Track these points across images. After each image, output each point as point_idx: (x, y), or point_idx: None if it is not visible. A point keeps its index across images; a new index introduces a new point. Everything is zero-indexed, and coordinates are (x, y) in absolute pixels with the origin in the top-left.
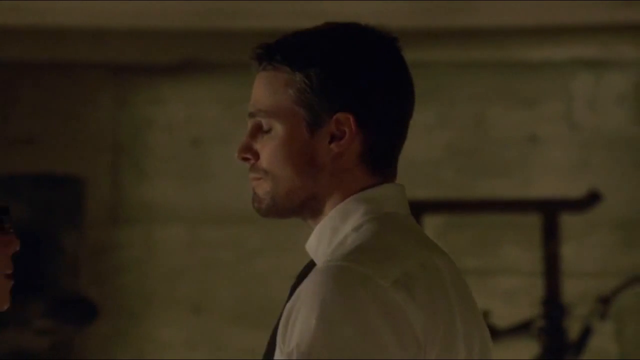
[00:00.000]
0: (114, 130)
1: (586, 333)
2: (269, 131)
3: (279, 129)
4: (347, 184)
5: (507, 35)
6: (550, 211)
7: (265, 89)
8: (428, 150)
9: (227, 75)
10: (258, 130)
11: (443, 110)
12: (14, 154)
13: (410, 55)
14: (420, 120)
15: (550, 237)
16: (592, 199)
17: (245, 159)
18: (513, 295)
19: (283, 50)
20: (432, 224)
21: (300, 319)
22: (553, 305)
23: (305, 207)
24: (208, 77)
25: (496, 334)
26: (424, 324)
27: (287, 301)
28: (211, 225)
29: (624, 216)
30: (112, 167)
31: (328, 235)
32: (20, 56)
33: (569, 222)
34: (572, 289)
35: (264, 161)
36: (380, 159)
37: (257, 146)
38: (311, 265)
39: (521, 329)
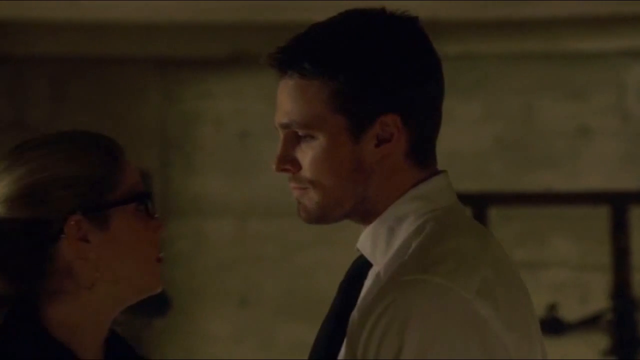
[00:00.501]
0: (163, 124)
1: None
2: (308, 140)
3: (320, 139)
4: (397, 183)
5: (557, 26)
6: (619, 204)
7: (297, 100)
8: (475, 142)
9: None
10: (294, 140)
11: (491, 102)
12: None
13: (458, 47)
14: (468, 112)
15: (620, 230)
16: None
17: (285, 170)
18: (560, 288)
19: (311, 56)
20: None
21: (389, 337)
22: (624, 299)
23: (356, 211)
24: (256, 71)
25: (564, 327)
26: (508, 331)
27: (337, 298)
28: (258, 219)
29: None
30: (161, 162)
31: (384, 237)
32: (69, 52)
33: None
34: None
35: (308, 171)
36: (425, 151)
37: (297, 156)
38: (362, 263)
39: (590, 322)
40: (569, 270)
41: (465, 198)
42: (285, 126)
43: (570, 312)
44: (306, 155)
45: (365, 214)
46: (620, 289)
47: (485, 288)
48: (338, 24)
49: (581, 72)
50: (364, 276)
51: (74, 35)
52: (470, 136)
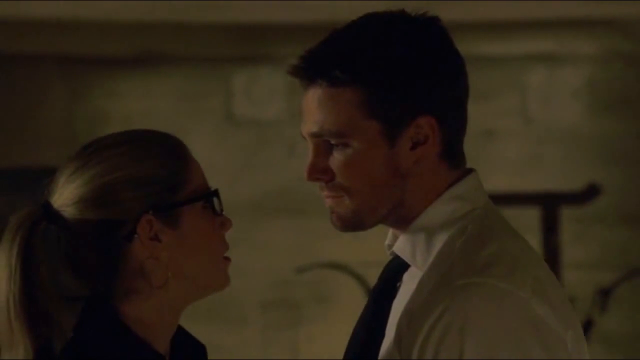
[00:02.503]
0: (69, 123)
1: (587, 325)
2: (341, 148)
3: (354, 146)
4: (432, 185)
5: (461, 29)
6: (550, 205)
7: (328, 108)
8: None
9: (184, 69)
10: (325, 149)
11: None
12: None
13: None
14: None
15: (551, 230)
16: (591, 192)
17: (317, 179)
18: None
19: (341, 64)
20: None
21: (448, 341)
22: None
23: (391, 216)
24: (164, 71)
25: None
26: (565, 329)
27: (371, 301)
28: None
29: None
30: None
31: (424, 240)
32: None
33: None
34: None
35: (343, 179)
36: (457, 150)
37: (330, 164)
38: (396, 267)
39: None
40: None
41: None
42: (316, 135)
43: None
44: (340, 163)
45: (400, 218)
46: None
47: (539, 287)
48: (362, 29)
49: (485, 75)
50: (397, 279)
51: None
52: None
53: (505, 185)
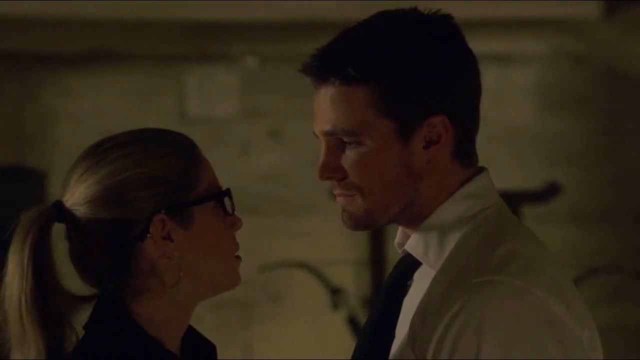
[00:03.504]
0: (20, 121)
1: None
2: (354, 147)
3: (367, 144)
4: (445, 184)
5: None
6: (510, 203)
7: (341, 107)
8: None
9: (136, 67)
10: (338, 147)
11: None
12: None
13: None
14: None
15: None
16: (552, 190)
17: (329, 178)
18: None
19: (354, 62)
20: None
21: (465, 339)
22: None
23: (403, 215)
24: (116, 69)
25: None
26: (581, 328)
27: (381, 299)
28: None
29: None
30: (16, 159)
31: (437, 238)
32: None
33: None
34: None
35: (356, 177)
36: (469, 149)
37: (342, 162)
38: (407, 266)
39: None
40: None
41: None
42: (329, 134)
43: None
44: (353, 161)
45: (412, 216)
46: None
47: (555, 286)
48: (375, 27)
49: None
50: (408, 278)
51: None
52: None
53: None
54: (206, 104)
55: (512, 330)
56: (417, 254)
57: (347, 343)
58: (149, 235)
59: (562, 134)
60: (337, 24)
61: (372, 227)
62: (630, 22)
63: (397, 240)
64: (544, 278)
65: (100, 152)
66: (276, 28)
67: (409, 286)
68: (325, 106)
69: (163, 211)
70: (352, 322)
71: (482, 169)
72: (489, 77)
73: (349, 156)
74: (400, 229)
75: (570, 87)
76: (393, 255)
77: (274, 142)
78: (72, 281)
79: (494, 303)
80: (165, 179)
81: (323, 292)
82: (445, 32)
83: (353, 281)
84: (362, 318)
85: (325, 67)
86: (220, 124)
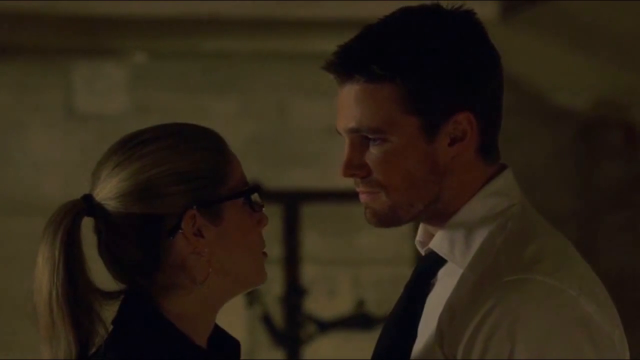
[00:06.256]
0: None
1: None
2: (379, 144)
3: (393, 141)
4: (470, 181)
5: (303, 27)
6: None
7: (367, 104)
8: (231, 139)
9: (21, 60)
10: (362, 144)
11: (245, 100)
12: None
13: (214, 44)
14: (222, 109)
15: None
16: None
17: (353, 175)
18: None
19: (379, 59)
20: None
21: (498, 338)
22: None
23: (427, 212)
24: (1, 62)
25: (374, 322)
26: (612, 327)
27: (404, 297)
28: (5, 216)
29: None
30: None
31: (463, 236)
32: None
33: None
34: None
35: (380, 175)
36: (493, 146)
37: (366, 160)
38: (430, 263)
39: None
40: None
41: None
42: (353, 131)
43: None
44: (378, 158)
45: (436, 214)
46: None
47: (586, 285)
48: (398, 24)
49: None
50: (432, 276)
51: None
52: (226, 133)
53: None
54: (95, 100)
55: (545, 330)
56: (443, 251)
57: (261, 340)
58: (180, 230)
59: None
60: (232, 20)
61: (396, 224)
62: (525, 22)
63: (418, 238)
64: (575, 277)
65: (130, 146)
66: (166, 23)
67: (433, 284)
68: (349, 103)
69: (195, 207)
70: (266, 320)
71: (504, 166)
72: None
73: (374, 153)
74: (421, 227)
75: None
76: (308, 254)
77: None
78: (98, 277)
79: (527, 302)
80: (196, 174)
81: None
82: (468, 28)
83: (267, 279)
84: (276, 316)
85: (349, 64)
86: (110, 121)
